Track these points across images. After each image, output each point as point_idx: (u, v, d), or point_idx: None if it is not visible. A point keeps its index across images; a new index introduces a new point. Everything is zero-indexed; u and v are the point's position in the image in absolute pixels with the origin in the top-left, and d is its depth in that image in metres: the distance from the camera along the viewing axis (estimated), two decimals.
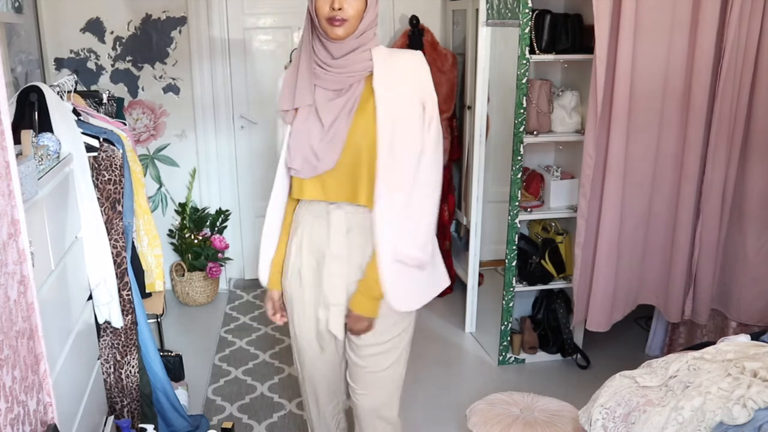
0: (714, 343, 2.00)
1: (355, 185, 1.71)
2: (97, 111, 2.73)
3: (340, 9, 1.59)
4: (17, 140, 1.64)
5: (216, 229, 4.07)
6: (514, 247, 3.13)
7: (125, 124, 2.83)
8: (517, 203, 3.07)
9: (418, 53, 1.74)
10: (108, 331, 2.25)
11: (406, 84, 1.69)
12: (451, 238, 4.12)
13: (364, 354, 1.87)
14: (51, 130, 2.00)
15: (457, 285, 4.05)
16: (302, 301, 1.87)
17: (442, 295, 4.49)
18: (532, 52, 2.94)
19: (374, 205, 1.69)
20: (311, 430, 2.15)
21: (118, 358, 2.28)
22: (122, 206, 2.20)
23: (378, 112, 1.65)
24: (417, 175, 1.70)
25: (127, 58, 3.84)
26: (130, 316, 2.26)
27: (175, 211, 4.09)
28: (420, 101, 1.70)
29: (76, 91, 2.62)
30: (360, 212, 1.74)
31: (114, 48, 3.81)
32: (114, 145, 2.19)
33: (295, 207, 1.86)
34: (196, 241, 3.96)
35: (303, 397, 2.09)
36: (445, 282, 1.92)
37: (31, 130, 1.80)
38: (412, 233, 1.72)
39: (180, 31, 3.86)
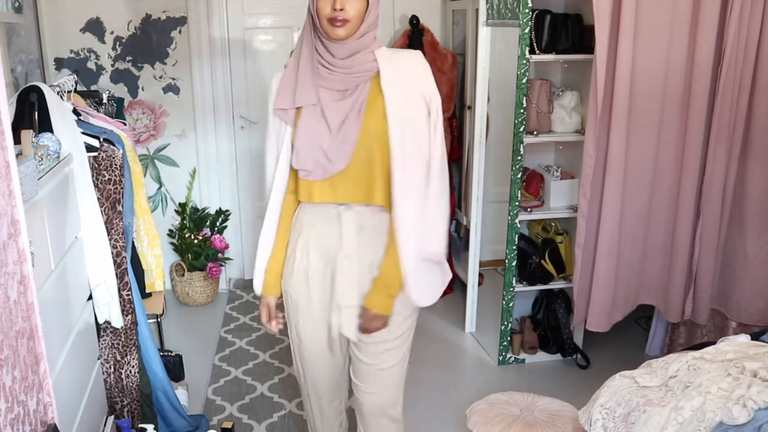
0: (714, 343, 2.00)
1: (368, 186, 1.71)
2: (97, 111, 2.73)
3: (341, 9, 1.57)
4: (17, 140, 1.64)
5: (216, 229, 4.07)
6: (514, 247, 3.13)
7: (125, 124, 2.83)
8: (517, 203, 3.07)
9: (419, 53, 1.75)
10: (108, 331, 2.25)
11: (411, 83, 1.69)
12: (451, 238, 4.12)
13: (374, 351, 1.85)
14: (51, 130, 1.99)
15: (457, 285, 4.04)
16: (309, 303, 1.84)
17: (442, 294, 4.49)
18: (532, 52, 2.94)
19: (394, 206, 1.69)
20: (312, 431, 2.14)
21: (118, 358, 2.28)
22: (122, 206, 2.20)
23: (388, 113, 1.65)
24: (430, 174, 1.71)
25: (127, 58, 3.84)
26: (130, 316, 2.26)
27: (175, 211, 4.09)
28: (424, 100, 1.71)
29: (76, 91, 2.62)
30: (370, 211, 1.74)
31: (114, 48, 3.81)
32: (114, 145, 2.19)
33: (293, 209, 1.84)
34: (196, 241, 3.96)
35: (304, 399, 2.08)
36: (450, 274, 1.92)
37: (31, 130, 1.80)
38: (434, 231, 1.74)
39: (180, 31, 3.86)
